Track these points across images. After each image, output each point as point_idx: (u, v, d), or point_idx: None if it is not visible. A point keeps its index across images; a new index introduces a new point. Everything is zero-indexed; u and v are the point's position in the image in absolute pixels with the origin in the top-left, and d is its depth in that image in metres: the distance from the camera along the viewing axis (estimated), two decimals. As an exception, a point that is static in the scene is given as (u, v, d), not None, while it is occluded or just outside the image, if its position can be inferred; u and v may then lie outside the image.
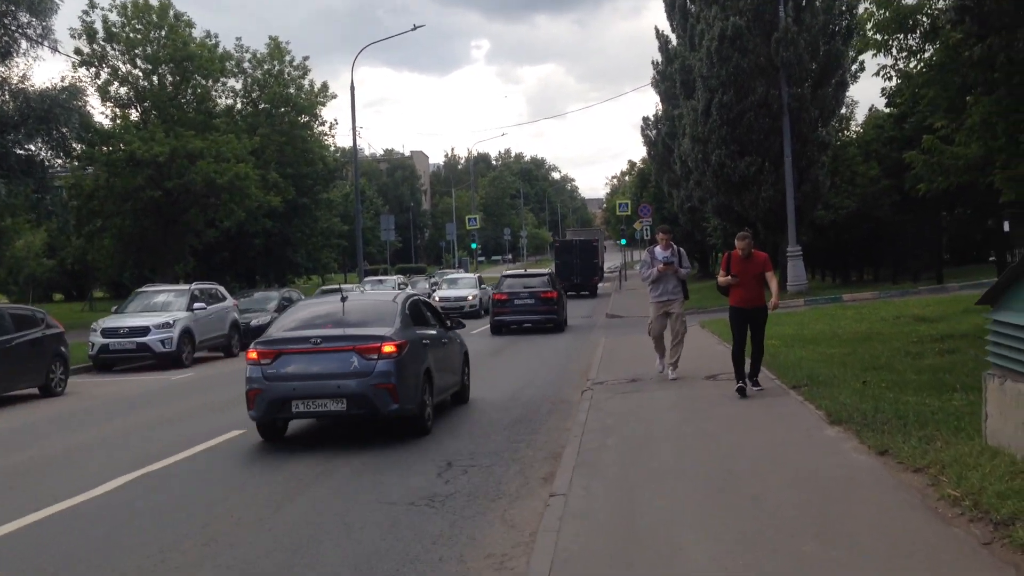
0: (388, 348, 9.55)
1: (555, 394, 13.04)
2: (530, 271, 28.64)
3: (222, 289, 23.62)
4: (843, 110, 34.47)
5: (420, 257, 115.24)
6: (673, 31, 40.26)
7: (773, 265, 11.44)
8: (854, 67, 30.93)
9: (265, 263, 51.18)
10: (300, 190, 49.29)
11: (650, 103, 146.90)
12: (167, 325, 19.88)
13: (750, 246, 10.95)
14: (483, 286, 36.69)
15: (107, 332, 19.66)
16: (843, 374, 11.31)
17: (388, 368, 9.45)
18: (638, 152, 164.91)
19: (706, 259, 62.80)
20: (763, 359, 11.38)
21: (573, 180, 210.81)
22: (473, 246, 78.02)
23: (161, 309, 20.92)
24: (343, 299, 10.53)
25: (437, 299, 31.47)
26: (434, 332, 11.23)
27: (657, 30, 41.77)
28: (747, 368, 10.91)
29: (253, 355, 9.76)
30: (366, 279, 40.04)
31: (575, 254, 46.56)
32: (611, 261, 75.32)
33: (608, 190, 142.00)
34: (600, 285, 50.30)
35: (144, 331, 19.61)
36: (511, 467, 8.43)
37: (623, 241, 62.67)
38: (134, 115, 36.45)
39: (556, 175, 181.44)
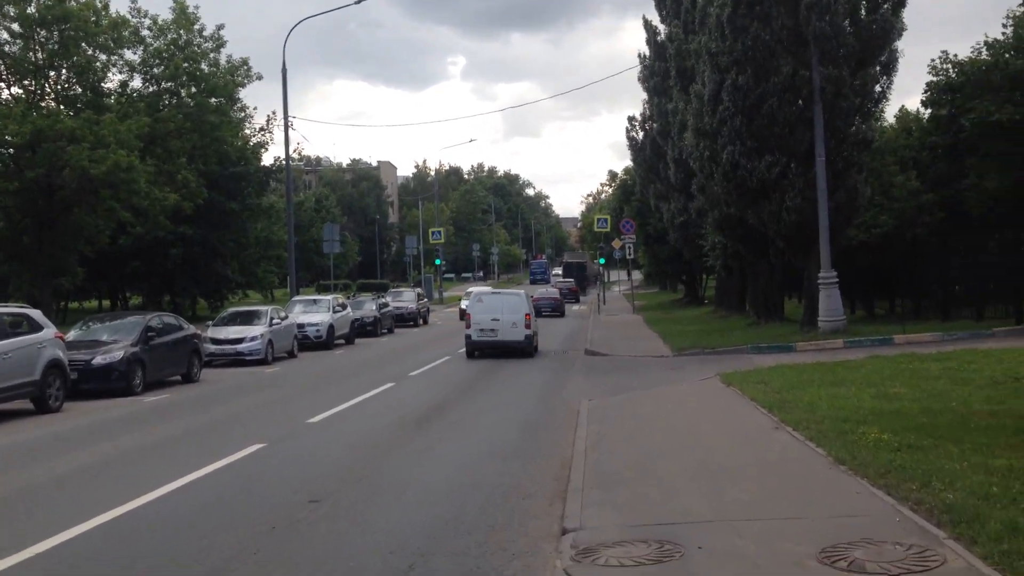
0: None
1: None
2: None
3: (36, 314, 16.34)
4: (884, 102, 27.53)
5: (386, 273, 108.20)
6: (663, 20, 35.95)
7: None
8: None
9: (188, 276, 43.85)
10: (229, 193, 42.29)
11: (626, 123, 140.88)
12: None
13: None
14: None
15: None
16: None
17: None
18: (616, 169, 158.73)
19: (695, 283, 56.53)
20: None
21: (547, 197, 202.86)
22: (437, 262, 71.09)
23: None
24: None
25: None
26: None
27: (645, 20, 38.40)
28: None
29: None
30: (296, 298, 33.09)
31: (574, 270, 76.65)
32: None
33: (583, 208, 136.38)
34: (589, 291, 70.63)
35: None
36: None
37: (601, 260, 59.52)
38: (4, 92, 29.29)
39: (530, 191, 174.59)
